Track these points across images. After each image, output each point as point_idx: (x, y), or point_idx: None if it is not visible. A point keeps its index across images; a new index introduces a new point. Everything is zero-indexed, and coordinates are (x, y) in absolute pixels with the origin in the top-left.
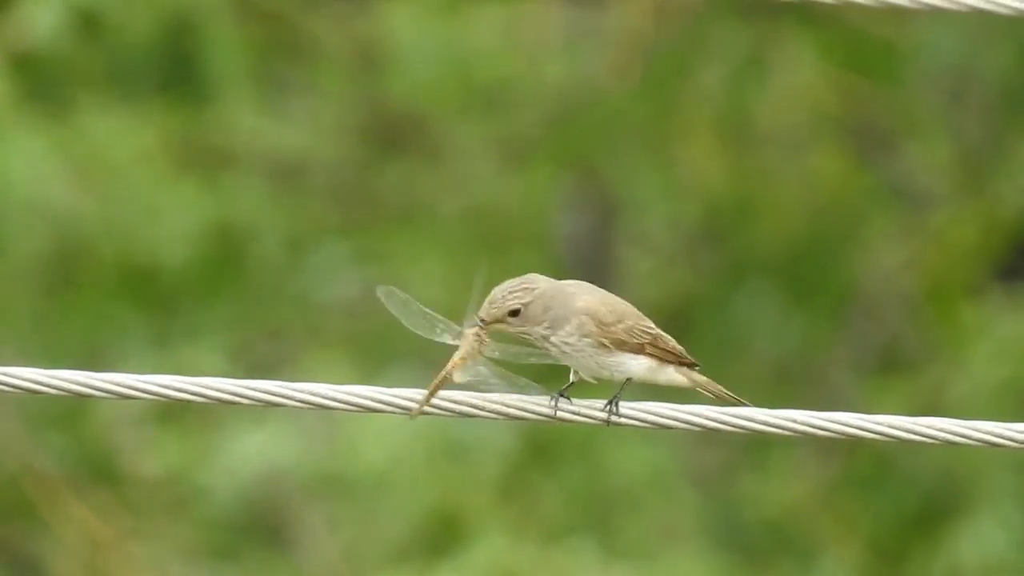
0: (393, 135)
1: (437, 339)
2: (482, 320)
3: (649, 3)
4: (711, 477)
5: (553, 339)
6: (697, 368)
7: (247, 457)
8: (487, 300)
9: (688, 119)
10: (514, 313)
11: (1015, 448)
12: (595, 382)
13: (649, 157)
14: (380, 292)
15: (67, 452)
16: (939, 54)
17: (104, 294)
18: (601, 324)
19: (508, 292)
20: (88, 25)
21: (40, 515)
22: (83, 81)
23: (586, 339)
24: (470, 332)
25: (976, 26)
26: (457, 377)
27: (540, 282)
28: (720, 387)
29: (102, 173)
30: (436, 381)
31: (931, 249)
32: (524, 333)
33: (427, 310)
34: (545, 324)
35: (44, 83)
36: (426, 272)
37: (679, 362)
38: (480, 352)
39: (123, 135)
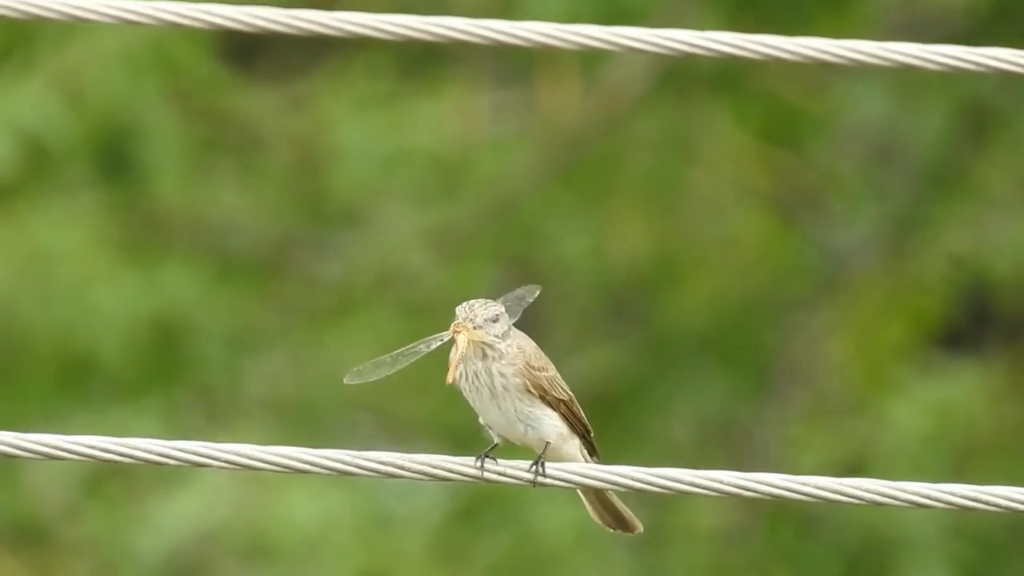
0: (328, 220)
1: (430, 349)
2: (471, 323)
3: (575, 88)
4: (640, 537)
5: (494, 368)
6: (595, 458)
7: (175, 521)
8: (464, 310)
9: (616, 194)
10: (495, 319)
11: (942, 508)
12: (516, 441)
13: (576, 228)
14: (349, 379)
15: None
16: (864, 116)
17: (42, 388)
18: (528, 365)
19: (485, 301)
20: (32, 146)
21: None
22: (23, 178)
23: (517, 379)
24: (463, 325)
25: (903, 86)
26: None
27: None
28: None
29: (41, 267)
30: (456, 359)
31: (855, 316)
32: (490, 345)
33: (398, 352)
34: (504, 344)
35: None
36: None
37: (583, 436)
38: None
39: (61, 229)
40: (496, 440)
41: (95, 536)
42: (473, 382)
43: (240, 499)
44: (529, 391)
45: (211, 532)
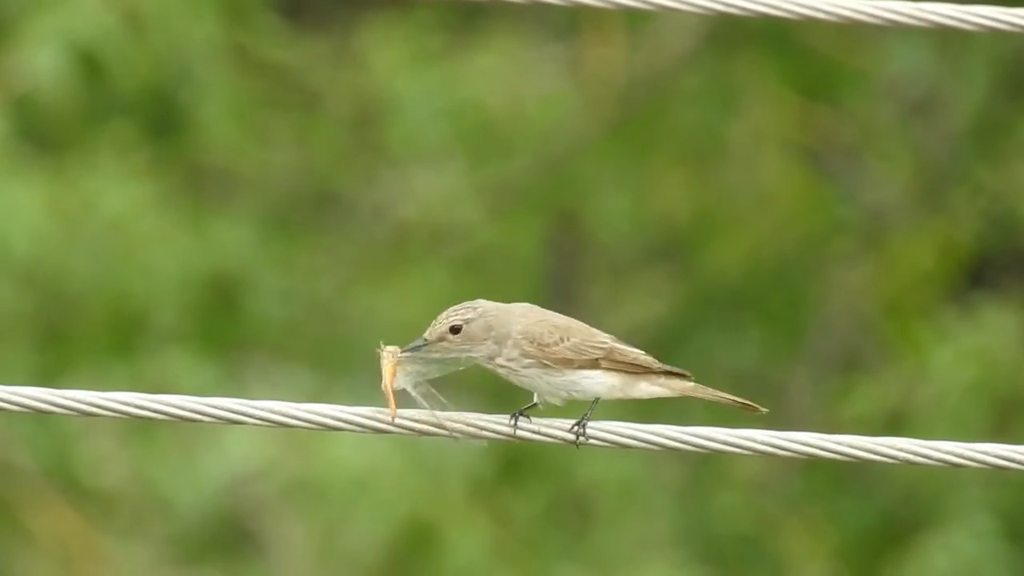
0: (379, 174)
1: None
2: (425, 339)
3: (621, 43)
4: (682, 490)
5: (499, 360)
6: (681, 376)
7: (221, 463)
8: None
9: (659, 150)
10: (455, 330)
11: (976, 468)
12: (560, 404)
13: (620, 184)
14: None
15: (39, 457)
16: (903, 71)
17: (95, 348)
18: (541, 345)
19: (451, 311)
20: (88, 66)
21: (15, 517)
22: (75, 130)
23: (529, 360)
24: (387, 353)
25: (943, 43)
26: (398, 384)
27: (483, 304)
28: (711, 390)
29: (94, 225)
30: (388, 391)
31: (888, 268)
32: (468, 353)
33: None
34: (490, 343)
35: (40, 129)
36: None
37: (648, 373)
38: (396, 368)
39: (112, 186)
40: (536, 399)
41: (140, 481)
42: (492, 369)
43: (285, 443)
44: (549, 366)
45: (256, 475)
